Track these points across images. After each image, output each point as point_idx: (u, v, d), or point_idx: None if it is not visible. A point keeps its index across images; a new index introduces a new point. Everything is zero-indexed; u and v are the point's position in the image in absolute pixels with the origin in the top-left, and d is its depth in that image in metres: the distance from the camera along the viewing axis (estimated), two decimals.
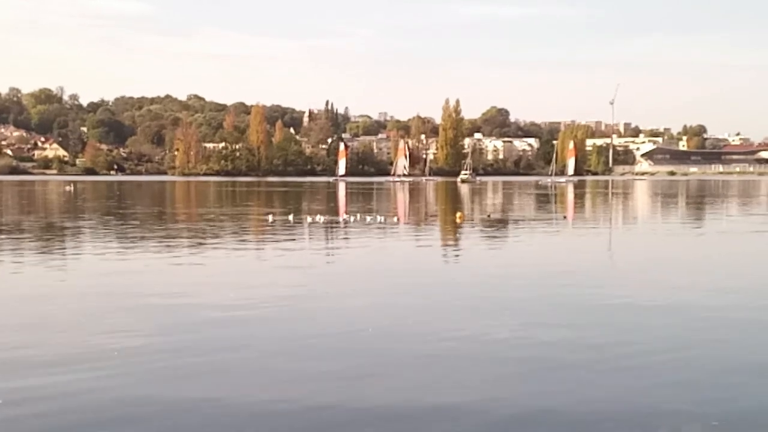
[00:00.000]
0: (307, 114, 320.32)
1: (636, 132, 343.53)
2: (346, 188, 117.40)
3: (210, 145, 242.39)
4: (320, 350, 12.72)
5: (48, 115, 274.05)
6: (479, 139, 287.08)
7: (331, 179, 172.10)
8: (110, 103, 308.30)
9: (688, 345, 13.32)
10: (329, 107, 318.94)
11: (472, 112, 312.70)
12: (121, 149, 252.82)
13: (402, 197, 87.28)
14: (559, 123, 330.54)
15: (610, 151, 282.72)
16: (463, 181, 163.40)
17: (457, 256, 27.81)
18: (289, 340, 13.41)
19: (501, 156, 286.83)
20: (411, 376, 11.30)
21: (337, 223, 41.40)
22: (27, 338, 13.48)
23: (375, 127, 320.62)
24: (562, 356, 12.44)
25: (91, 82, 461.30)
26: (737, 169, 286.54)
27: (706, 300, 17.68)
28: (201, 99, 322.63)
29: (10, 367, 11.69)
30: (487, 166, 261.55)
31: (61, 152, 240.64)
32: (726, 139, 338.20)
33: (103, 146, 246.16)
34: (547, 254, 27.44)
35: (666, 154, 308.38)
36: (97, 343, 13.06)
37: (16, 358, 12.17)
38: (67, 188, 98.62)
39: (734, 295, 18.33)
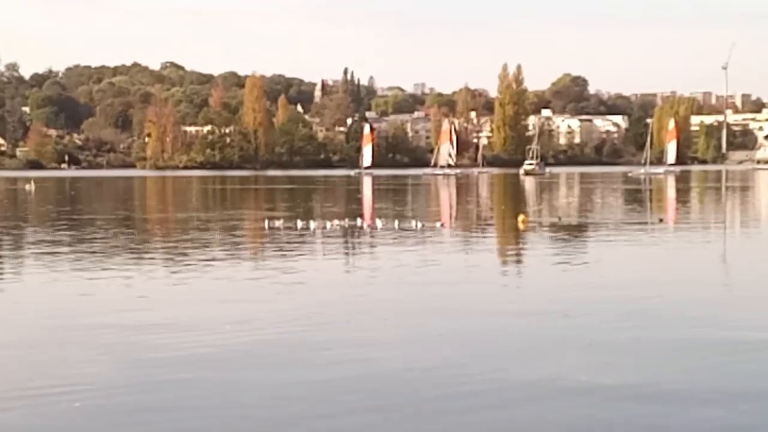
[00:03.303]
0: (319, 86, 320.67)
1: (758, 106, 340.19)
2: (373, 184, 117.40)
3: (192, 129, 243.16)
4: (334, 398, 12.77)
5: None
6: (548, 118, 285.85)
7: (352, 172, 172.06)
8: (60, 75, 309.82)
9: None
10: (349, 77, 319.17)
11: (538, 81, 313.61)
12: (75, 135, 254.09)
13: (446, 195, 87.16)
14: (655, 95, 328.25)
15: (723, 132, 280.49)
16: (527, 173, 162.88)
17: (518, 274, 27.79)
18: (296, 384, 13.46)
19: (577, 139, 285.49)
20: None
21: (361, 230, 41.45)
22: None
23: (409, 102, 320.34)
24: (645, 410, 12.41)
25: (35, 48, 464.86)
26: None
27: None
28: (179, 68, 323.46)
29: None
30: (559, 153, 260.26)
31: None
32: None
33: (51, 131, 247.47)
34: (638, 271, 27.27)
35: None
36: (46, 388, 13.19)
37: None
38: (27, 187, 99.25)
39: None
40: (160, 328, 17.78)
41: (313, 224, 42.81)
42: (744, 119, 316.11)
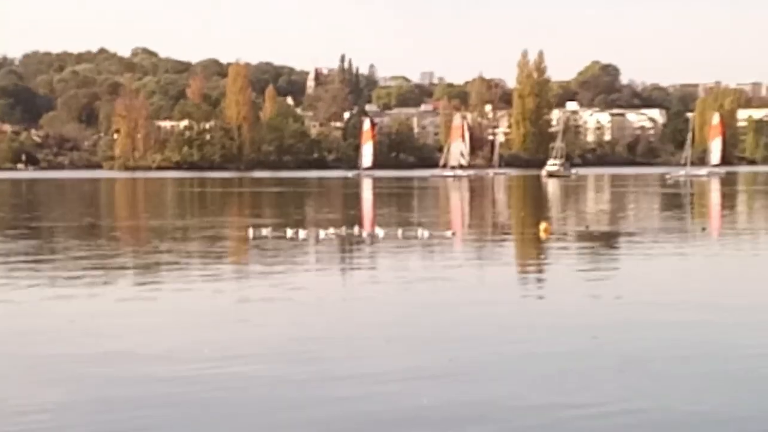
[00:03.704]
0: (312, 75, 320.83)
1: None
2: (374, 187, 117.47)
3: (167, 124, 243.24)
4: None
5: None
6: (574, 112, 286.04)
7: (350, 173, 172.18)
8: (16, 63, 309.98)
9: None
10: (346, 65, 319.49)
11: (563, 70, 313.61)
12: (34, 131, 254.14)
13: (458, 200, 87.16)
14: (697, 86, 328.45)
15: None
16: (550, 175, 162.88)
17: (539, 290, 27.77)
18: (291, 423, 13.43)
19: (608, 136, 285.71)
20: None
21: (360, 239, 41.48)
22: None
23: (416, 94, 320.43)
24: None
25: None
26: None
27: None
28: (152, 54, 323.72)
29: None
30: (587, 152, 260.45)
31: None
32: None
33: (6, 127, 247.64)
34: (677, 287, 27.36)
35: None
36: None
37: None
38: None
39: None
40: (125, 356, 17.66)
41: (304, 233, 42.82)
42: None
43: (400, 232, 43.12)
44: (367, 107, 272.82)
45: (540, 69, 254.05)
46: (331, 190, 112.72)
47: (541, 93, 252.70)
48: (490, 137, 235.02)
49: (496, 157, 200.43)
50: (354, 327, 20.73)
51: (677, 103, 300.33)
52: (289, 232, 43.02)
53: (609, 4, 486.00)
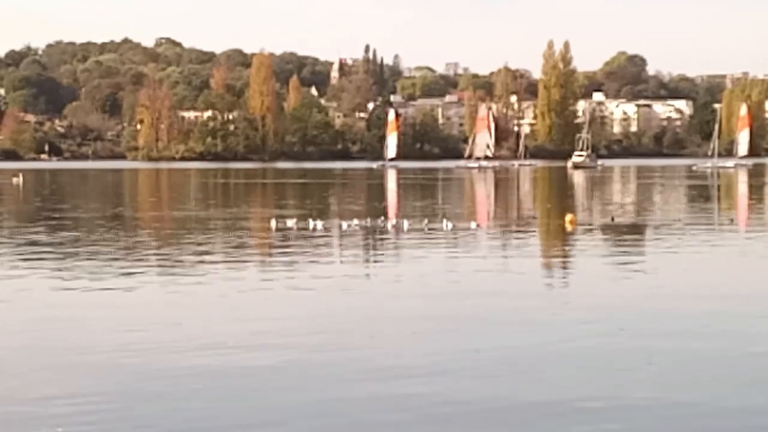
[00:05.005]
0: (336, 66, 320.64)
1: None
2: (398, 178, 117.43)
3: (190, 115, 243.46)
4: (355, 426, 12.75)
5: None
6: (600, 103, 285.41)
7: (375, 165, 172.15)
8: (40, 53, 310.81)
9: None
10: (371, 55, 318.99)
11: (588, 61, 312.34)
12: (57, 122, 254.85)
13: (483, 191, 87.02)
14: (724, 77, 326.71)
15: None
16: (575, 167, 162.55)
17: (565, 281, 27.73)
18: (316, 413, 13.46)
19: (634, 128, 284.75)
20: None
21: (384, 231, 41.50)
22: None
23: (441, 85, 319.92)
24: None
25: (11, 21, 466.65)
26: None
27: None
28: (176, 45, 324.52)
29: None
30: (613, 143, 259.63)
31: None
32: None
33: (30, 117, 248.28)
34: (703, 281, 27.27)
35: None
36: (30, 415, 13.21)
37: None
38: (15, 180, 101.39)
39: None
40: (145, 347, 17.73)
41: (324, 224, 42.82)
42: None
43: (425, 223, 43.12)
44: (392, 98, 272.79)
45: (566, 59, 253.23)
46: (356, 181, 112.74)
47: (566, 84, 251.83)
48: (516, 128, 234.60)
49: (521, 149, 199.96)
50: (378, 319, 20.72)
51: (704, 94, 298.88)
52: (312, 224, 43.07)
53: None
